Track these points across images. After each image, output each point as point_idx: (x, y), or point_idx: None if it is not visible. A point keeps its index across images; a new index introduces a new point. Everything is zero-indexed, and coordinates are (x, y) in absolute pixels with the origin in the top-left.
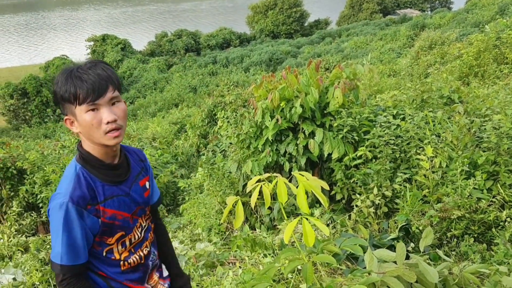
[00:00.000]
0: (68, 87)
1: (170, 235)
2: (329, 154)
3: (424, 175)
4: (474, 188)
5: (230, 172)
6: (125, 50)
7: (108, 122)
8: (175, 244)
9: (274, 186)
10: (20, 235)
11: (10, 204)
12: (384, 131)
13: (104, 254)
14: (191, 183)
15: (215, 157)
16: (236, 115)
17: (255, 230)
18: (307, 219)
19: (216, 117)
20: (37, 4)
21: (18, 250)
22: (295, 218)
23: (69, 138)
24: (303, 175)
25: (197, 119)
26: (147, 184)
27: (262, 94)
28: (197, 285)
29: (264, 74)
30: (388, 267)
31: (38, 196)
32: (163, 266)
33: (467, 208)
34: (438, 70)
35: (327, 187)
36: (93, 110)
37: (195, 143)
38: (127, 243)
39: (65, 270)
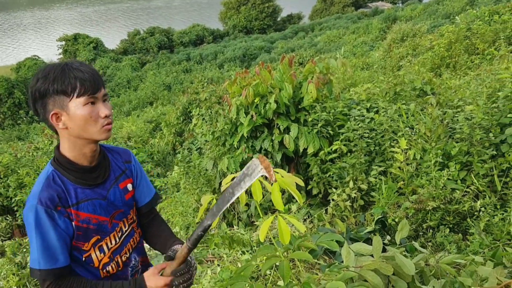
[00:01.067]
0: (66, 79)
1: None
2: (305, 149)
3: (399, 168)
4: (448, 179)
5: (206, 170)
6: (98, 49)
7: (105, 116)
8: None
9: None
10: None
11: None
12: (358, 124)
13: (84, 259)
14: (167, 182)
15: (191, 155)
16: (211, 112)
17: (233, 227)
18: (282, 216)
19: (191, 114)
20: (7, 4)
21: None
22: (272, 214)
23: (42, 140)
24: (277, 172)
25: (172, 117)
26: (129, 186)
27: (236, 91)
28: None
29: (238, 71)
30: (365, 261)
31: (13, 200)
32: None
33: (442, 199)
34: (410, 62)
35: (302, 183)
36: (91, 103)
37: (170, 141)
38: (105, 248)
39: (45, 274)
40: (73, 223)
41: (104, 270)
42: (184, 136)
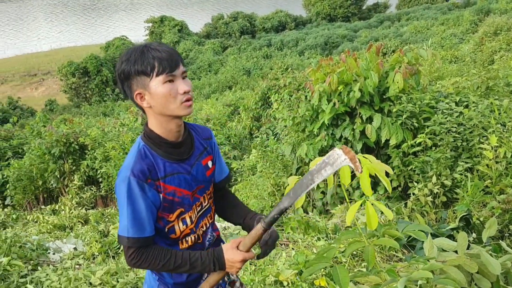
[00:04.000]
0: (145, 59)
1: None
2: (387, 140)
3: (487, 165)
4: None
5: (283, 155)
6: (182, 32)
7: (184, 92)
8: (227, 223)
9: None
10: (80, 208)
11: (72, 178)
12: (445, 118)
13: (166, 230)
14: (244, 165)
15: (268, 140)
16: (290, 98)
17: (308, 213)
18: (370, 201)
19: (269, 100)
20: None
21: (79, 221)
22: (349, 203)
23: (127, 116)
24: (366, 158)
25: (250, 101)
26: (209, 163)
27: (319, 77)
28: (250, 263)
29: (318, 58)
30: (449, 256)
31: (98, 171)
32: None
33: None
34: (505, 57)
35: (391, 171)
36: (170, 81)
37: (248, 126)
38: (188, 220)
39: (132, 242)
40: (161, 195)
41: (184, 240)
42: (262, 121)
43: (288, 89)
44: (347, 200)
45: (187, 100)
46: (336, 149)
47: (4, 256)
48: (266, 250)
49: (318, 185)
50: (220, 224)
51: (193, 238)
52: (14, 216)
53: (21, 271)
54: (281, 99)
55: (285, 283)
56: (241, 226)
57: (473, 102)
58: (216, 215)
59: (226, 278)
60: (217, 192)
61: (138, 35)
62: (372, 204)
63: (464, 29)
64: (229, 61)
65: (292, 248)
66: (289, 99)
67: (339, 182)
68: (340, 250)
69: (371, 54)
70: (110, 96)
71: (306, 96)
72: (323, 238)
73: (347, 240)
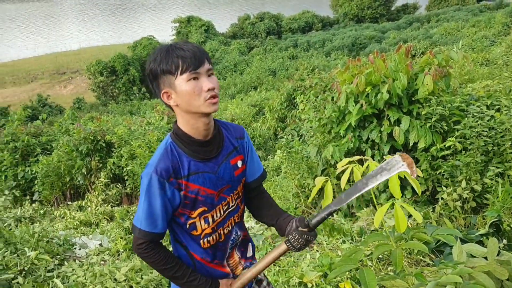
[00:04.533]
0: (170, 59)
1: (246, 214)
2: (415, 143)
3: None
4: None
5: (308, 157)
6: (208, 32)
7: (208, 90)
8: (251, 224)
9: (365, 169)
10: (106, 205)
11: (98, 175)
12: (476, 121)
13: (188, 226)
14: (268, 165)
15: (293, 141)
16: (316, 99)
17: (333, 216)
18: (399, 204)
19: (295, 101)
20: None
21: (104, 218)
22: (373, 207)
23: (154, 115)
24: None
25: (275, 102)
26: (239, 163)
27: (347, 78)
28: (274, 264)
29: (345, 60)
30: (478, 262)
31: (124, 169)
32: (249, 245)
33: None
34: None
35: (421, 174)
36: (194, 79)
37: (272, 126)
38: (210, 219)
39: (142, 234)
40: (182, 193)
41: (205, 240)
42: (287, 122)
43: (314, 90)
44: (375, 202)
45: (212, 97)
46: (396, 156)
47: (32, 250)
48: (303, 248)
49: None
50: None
51: (214, 237)
52: (41, 211)
53: (48, 265)
54: (307, 100)
55: (309, 285)
56: (274, 227)
57: (505, 106)
58: (244, 216)
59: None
60: (251, 191)
61: (165, 35)
62: (401, 207)
63: (496, 31)
64: (254, 62)
65: (317, 250)
66: (315, 100)
67: None
68: (366, 253)
69: (400, 55)
70: (137, 95)
71: (332, 97)
72: (348, 241)
73: (373, 243)
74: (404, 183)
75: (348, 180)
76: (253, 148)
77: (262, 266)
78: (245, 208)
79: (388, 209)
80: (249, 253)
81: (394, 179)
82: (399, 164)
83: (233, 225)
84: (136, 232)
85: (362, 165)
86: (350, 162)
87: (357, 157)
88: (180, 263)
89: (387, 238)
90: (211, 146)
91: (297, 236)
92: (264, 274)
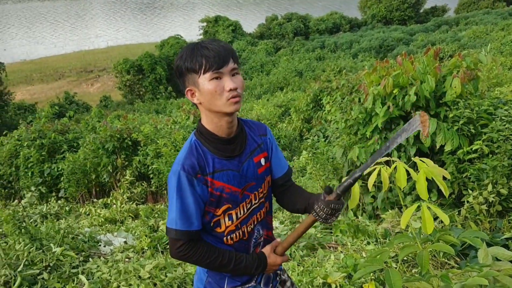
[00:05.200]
0: (194, 57)
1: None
2: (442, 146)
3: None
4: None
5: (333, 158)
6: (236, 32)
7: (230, 90)
8: (275, 224)
9: (393, 170)
10: (131, 202)
11: (124, 173)
12: (504, 125)
13: (212, 224)
14: (293, 166)
15: (319, 142)
16: (342, 100)
17: (357, 217)
18: (426, 205)
19: (321, 102)
20: None
21: (129, 216)
22: (398, 209)
23: (180, 114)
24: (424, 162)
25: (301, 103)
26: (262, 160)
27: (374, 80)
28: (298, 265)
29: (372, 61)
30: (504, 266)
31: (149, 167)
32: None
33: None
34: None
35: (448, 176)
36: (216, 78)
37: (298, 127)
38: (234, 217)
39: (180, 234)
40: (208, 190)
41: (228, 237)
42: (312, 123)
43: (341, 91)
44: (402, 203)
45: (233, 97)
46: (417, 115)
47: (57, 246)
48: (330, 218)
49: (368, 190)
50: None
51: (237, 234)
52: (67, 208)
53: (73, 262)
54: (333, 101)
55: (333, 286)
56: (308, 209)
57: None
58: (268, 214)
59: (277, 278)
60: (279, 187)
61: (193, 34)
62: (428, 208)
63: None
64: (281, 62)
65: (341, 251)
66: (342, 101)
67: (391, 186)
68: (391, 255)
69: (428, 57)
70: (163, 94)
71: (359, 99)
72: (372, 242)
73: (398, 245)
74: (430, 185)
75: (374, 183)
76: (277, 145)
77: (291, 239)
78: (272, 208)
79: (413, 212)
80: None
81: (421, 180)
82: (416, 123)
83: (255, 223)
84: (172, 234)
85: (390, 166)
86: (377, 164)
87: (385, 158)
88: (223, 251)
89: (413, 240)
90: (235, 144)
91: (322, 206)
92: (287, 275)
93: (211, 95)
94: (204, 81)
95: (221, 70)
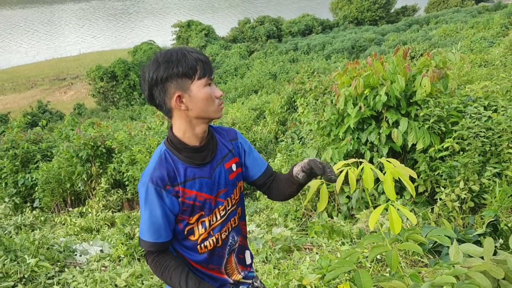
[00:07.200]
0: (188, 62)
1: (247, 218)
2: (413, 145)
3: None
4: None
5: None
6: (209, 36)
7: (219, 96)
8: (252, 227)
9: (360, 171)
10: (107, 210)
11: (99, 180)
12: (474, 122)
13: (186, 233)
14: None
15: (293, 144)
16: (315, 102)
17: (332, 218)
18: (394, 206)
19: (295, 104)
20: None
21: (105, 224)
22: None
23: (154, 120)
24: (390, 162)
25: (276, 105)
26: (233, 166)
27: (345, 81)
28: (274, 267)
29: (348, 61)
30: (474, 262)
31: (125, 175)
32: (247, 253)
33: None
34: None
35: (415, 175)
36: (209, 85)
37: (273, 130)
38: (207, 224)
39: (148, 246)
40: (180, 199)
41: (202, 245)
42: (287, 125)
43: (313, 93)
44: (371, 205)
45: (220, 104)
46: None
47: (32, 258)
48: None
49: (343, 189)
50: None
51: (211, 242)
52: (42, 218)
53: (49, 273)
54: (306, 103)
55: None
56: (292, 180)
57: (502, 107)
58: (242, 220)
59: (250, 286)
60: (263, 186)
61: (165, 40)
62: (396, 209)
63: (495, 32)
64: (255, 65)
65: (316, 253)
66: (315, 103)
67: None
68: (364, 255)
69: (398, 57)
70: (137, 100)
71: (331, 100)
72: (347, 243)
73: (371, 245)
74: (403, 184)
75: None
76: (251, 146)
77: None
78: (245, 213)
79: (385, 211)
80: (248, 261)
81: (388, 181)
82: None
83: (229, 230)
84: (143, 245)
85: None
86: (346, 165)
87: (353, 160)
88: (188, 270)
89: (383, 240)
90: (205, 151)
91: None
92: (260, 281)
93: (206, 101)
94: (199, 87)
95: (211, 77)
